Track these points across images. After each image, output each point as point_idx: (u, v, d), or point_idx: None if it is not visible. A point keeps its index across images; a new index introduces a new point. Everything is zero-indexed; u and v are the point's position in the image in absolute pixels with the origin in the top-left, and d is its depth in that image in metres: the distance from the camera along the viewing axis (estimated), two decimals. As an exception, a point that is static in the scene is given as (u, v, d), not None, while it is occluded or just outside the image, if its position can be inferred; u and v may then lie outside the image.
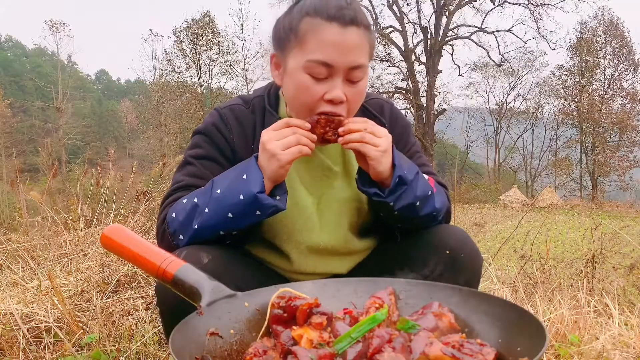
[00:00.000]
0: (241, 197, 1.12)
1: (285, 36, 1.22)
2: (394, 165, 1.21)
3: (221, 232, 1.19)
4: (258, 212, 1.15)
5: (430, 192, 1.27)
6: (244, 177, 1.14)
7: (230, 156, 1.32)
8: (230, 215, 1.15)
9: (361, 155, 1.21)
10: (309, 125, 1.17)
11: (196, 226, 1.17)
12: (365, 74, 1.23)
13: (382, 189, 1.22)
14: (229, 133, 1.32)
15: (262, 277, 1.32)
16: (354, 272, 1.42)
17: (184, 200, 1.21)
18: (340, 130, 1.19)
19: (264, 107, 1.35)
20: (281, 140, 1.14)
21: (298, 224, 1.31)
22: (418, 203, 1.23)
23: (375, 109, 1.41)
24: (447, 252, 1.24)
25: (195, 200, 1.18)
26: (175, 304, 1.00)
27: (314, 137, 1.18)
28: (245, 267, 1.28)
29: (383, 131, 1.21)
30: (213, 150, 1.32)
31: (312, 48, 1.17)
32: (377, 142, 1.18)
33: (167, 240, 1.23)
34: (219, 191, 1.15)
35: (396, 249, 1.34)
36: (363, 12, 1.22)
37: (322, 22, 1.16)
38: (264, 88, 1.42)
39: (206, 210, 1.15)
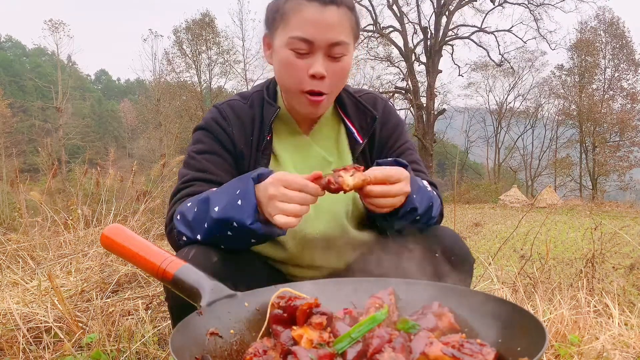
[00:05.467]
0: (235, 224, 1.12)
1: (272, 17, 1.30)
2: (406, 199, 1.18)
3: (222, 247, 1.19)
4: (253, 240, 1.16)
5: (430, 204, 1.27)
6: (239, 202, 1.11)
7: (231, 149, 1.36)
8: (229, 233, 1.15)
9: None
10: (322, 194, 1.11)
11: (199, 237, 1.19)
12: (348, 52, 1.29)
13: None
14: (229, 126, 1.36)
15: (270, 276, 1.33)
16: (351, 268, 1.42)
17: (189, 204, 1.22)
18: (359, 192, 1.14)
19: (263, 99, 1.39)
20: (284, 205, 1.07)
21: None
22: (418, 217, 1.25)
23: (368, 103, 1.44)
24: (436, 255, 1.24)
25: (196, 209, 1.19)
26: (184, 299, 1.00)
27: (321, 194, 1.12)
28: (255, 266, 1.29)
29: (403, 187, 1.15)
30: (214, 144, 1.35)
31: (293, 26, 1.24)
32: (394, 204, 1.15)
33: (174, 237, 1.26)
34: (216, 209, 1.14)
35: (388, 251, 1.34)
36: None
37: (303, 1, 1.24)
38: (262, 84, 1.46)
39: (205, 225, 1.16)
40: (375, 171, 1.13)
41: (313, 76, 1.25)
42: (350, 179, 1.09)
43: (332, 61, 1.27)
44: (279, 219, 1.07)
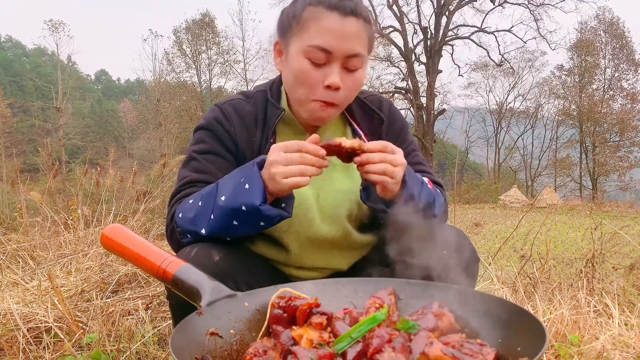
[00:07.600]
0: (243, 207, 1.12)
1: (288, 24, 1.28)
2: (404, 182, 1.20)
3: (228, 239, 1.20)
4: (262, 223, 1.15)
5: (432, 200, 1.27)
6: (247, 186, 1.13)
7: (233, 149, 1.34)
8: (235, 222, 1.15)
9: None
10: (323, 152, 1.13)
11: (203, 231, 1.18)
12: (363, 65, 1.27)
13: (388, 203, 1.22)
14: (231, 127, 1.34)
15: (271, 275, 1.32)
16: (354, 270, 1.42)
17: (191, 201, 1.22)
18: (357, 159, 1.16)
19: (267, 99, 1.37)
20: (287, 167, 1.10)
21: (298, 216, 1.31)
22: (420, 213, 1.24)
23: (374, 104, 1.43)
24: (444, 252, 1.24)
25: (200, 203, 1.19)
26: (186, 298, 1.00)
27: (326, 163, 1.15)
28: (256, 265, 1.29)
29: (400, 157, 1.19)
30: (216, 145, 1.33)
31: (312, 34, 1.22)
32: (395, 173, 1.16)
33: (176, 237, 1.25)
34: (223, 198, 1.15)
35: (395, 249, 1.34)
36: (364, 6, 1.26)
37: (323, 10, 1.22)
38: (266, 84, 1.44)
39: (212, 217, 1.16)
40: (373, 142, 1.18)
41: (328, 87, 1.24)
42: (348, 140, 1.15)
43: (348, 73, 1.25)
44: (287, 182, 1.09)
